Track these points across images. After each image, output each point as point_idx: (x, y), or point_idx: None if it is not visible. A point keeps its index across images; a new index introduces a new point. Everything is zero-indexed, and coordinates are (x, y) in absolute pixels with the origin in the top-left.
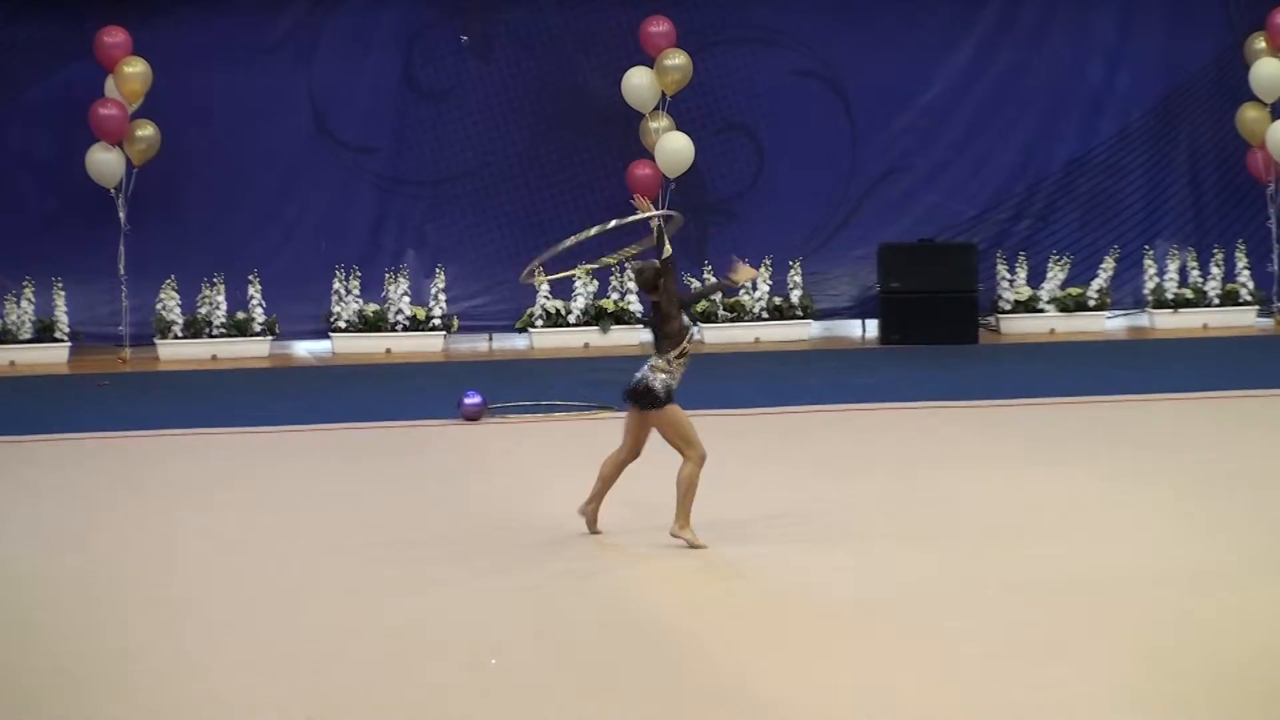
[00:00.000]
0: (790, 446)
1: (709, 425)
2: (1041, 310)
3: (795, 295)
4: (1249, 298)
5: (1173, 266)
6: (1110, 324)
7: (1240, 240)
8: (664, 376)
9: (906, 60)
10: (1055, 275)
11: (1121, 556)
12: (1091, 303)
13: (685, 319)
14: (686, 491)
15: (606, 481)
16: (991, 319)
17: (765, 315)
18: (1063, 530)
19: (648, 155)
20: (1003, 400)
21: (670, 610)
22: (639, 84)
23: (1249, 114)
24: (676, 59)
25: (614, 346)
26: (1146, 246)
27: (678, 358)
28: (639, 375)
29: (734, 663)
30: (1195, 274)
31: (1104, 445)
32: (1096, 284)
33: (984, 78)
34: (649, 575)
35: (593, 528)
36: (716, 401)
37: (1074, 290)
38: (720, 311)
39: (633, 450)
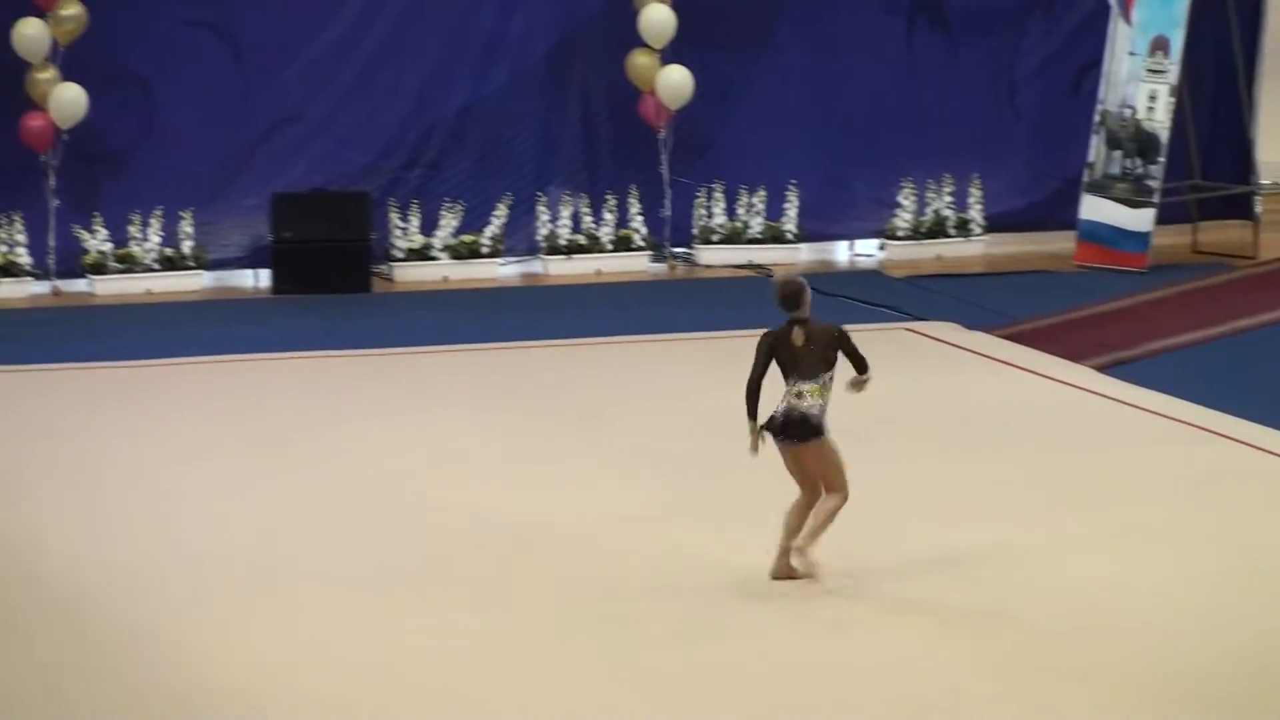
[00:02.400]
0: (183, 399)
1: (102, 377)
2: (435, 258)
3: (187, 246)
4: (642, 243)
5: (566, 212)
6: (504, 270)
7: (633, 186)
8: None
9: (298, 6)
10: (448, 223)
11: (538, 501)
12: (485, 250)
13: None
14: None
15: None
16: (385, 267)
17: (157, 266)
18: (478, 476)
19: (39, 107)
20: (400, 348)
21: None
22: (30, 35)
23: (639, 60)
24: (71, 9)
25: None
26: (539, 193)
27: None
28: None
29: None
30: (589, 220)
31: (502, 391)
32: (490, 231)
33: (376, 24)
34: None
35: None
36: (107, 353)
37: (467, 238)
38: (110, 263)
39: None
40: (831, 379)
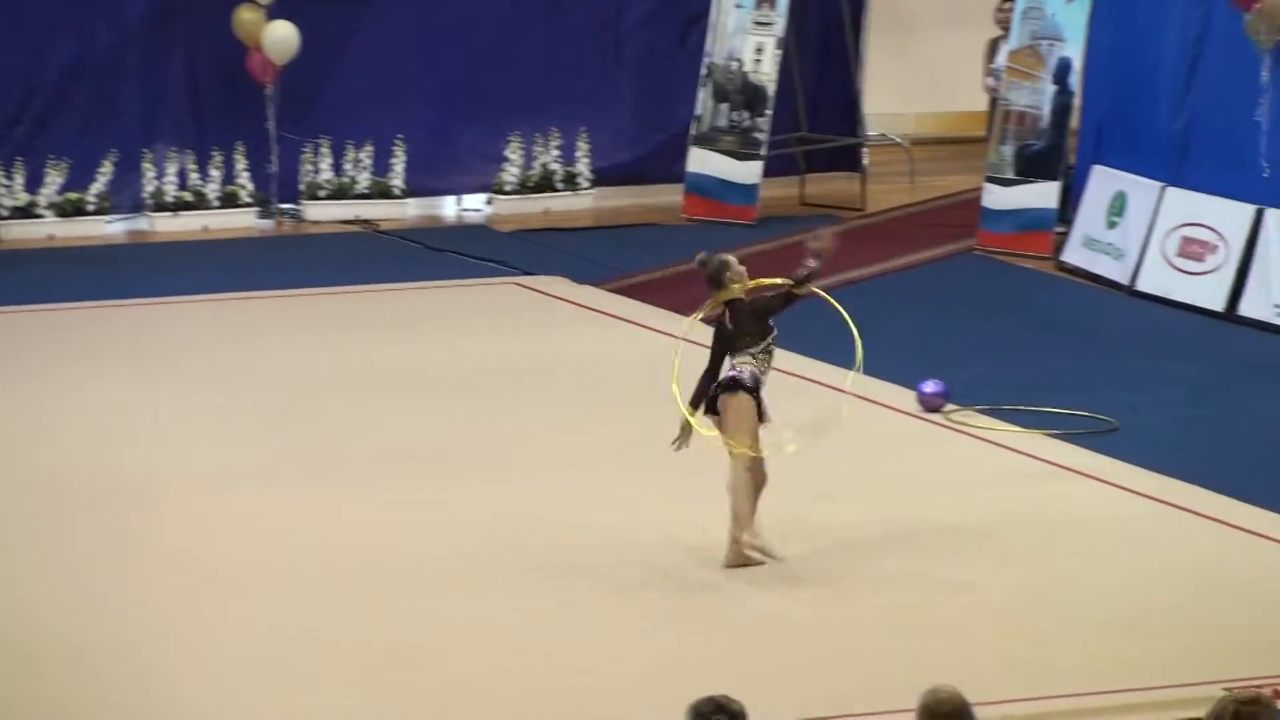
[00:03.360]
0: None
1: None
2: (40, 216)
3: None
4: (249, 199)
5: (172, 169)
6: (111, 228)
7: (240, 142)
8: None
9: None
10: (54, 180)
11: (150, 460)
12: (91, 207)
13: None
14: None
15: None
16: None
17: None
18: (78, 436)
19: None
20: (4, 307)
21: None
22: None
23: (245, 15)
24: None
25: None
26: (145, 149)
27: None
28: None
29: None
30: (195, 176)
31: (112, 350)
32: (96, 188)
33: None
34: None
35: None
36: None
37: (73, 195)
38: None
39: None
40: (767, 349)
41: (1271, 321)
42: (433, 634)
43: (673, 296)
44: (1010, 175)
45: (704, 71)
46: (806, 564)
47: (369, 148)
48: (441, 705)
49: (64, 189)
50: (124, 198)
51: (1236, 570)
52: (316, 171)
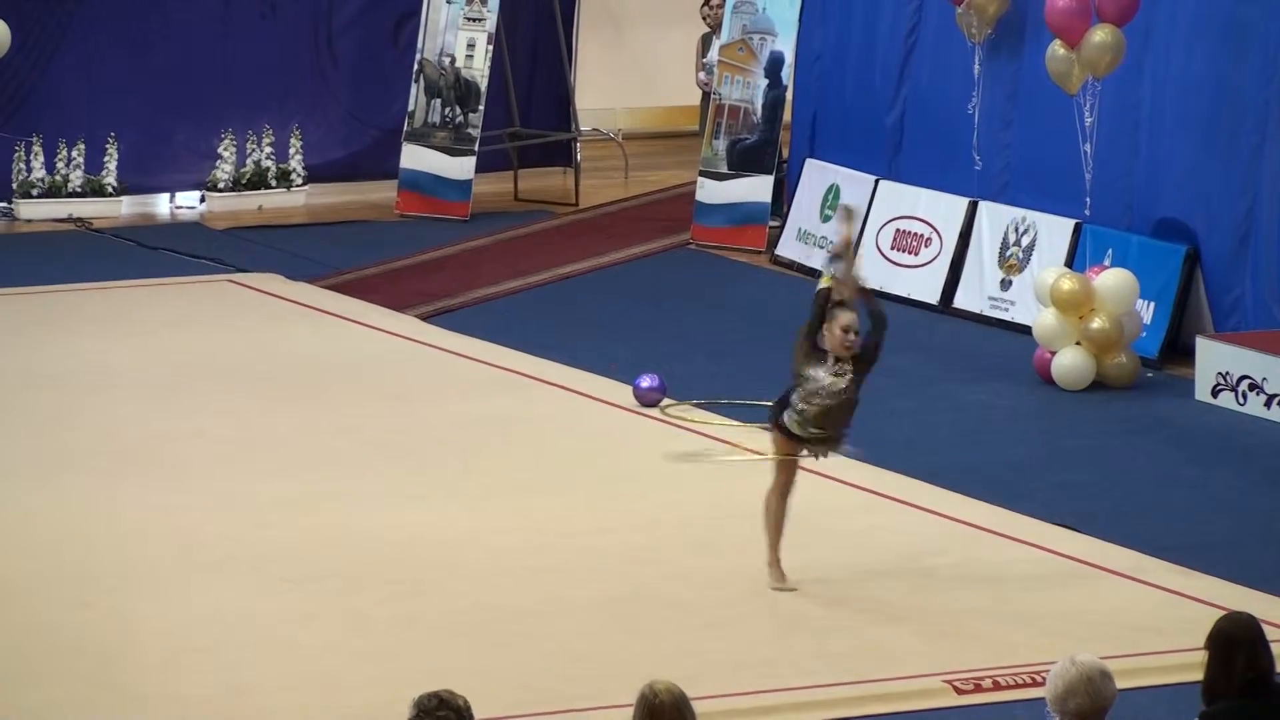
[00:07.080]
0: None
1: None
2: None
3: None
4: None
5: None
6: None
7: None
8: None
9: None
10: None
11: None
12: None
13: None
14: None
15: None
16: None
17: None
18: None
19: None
20: None
21: None
22: None
23: None
24: None
25: None
26: None
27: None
28: None
29: None
30: None
31: None
32: None
33: None
34: None
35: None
36: None
37: None
38: None
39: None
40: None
41: (986, 313)
42: (113, 631)
43: (388, 293)
44: (723, 169)
45: (416, 68)
46: (527, 559)
47: (81, 145)
48: (134, 694)
49: None
50: None
51: (947, 560)
52: (29, 170)
